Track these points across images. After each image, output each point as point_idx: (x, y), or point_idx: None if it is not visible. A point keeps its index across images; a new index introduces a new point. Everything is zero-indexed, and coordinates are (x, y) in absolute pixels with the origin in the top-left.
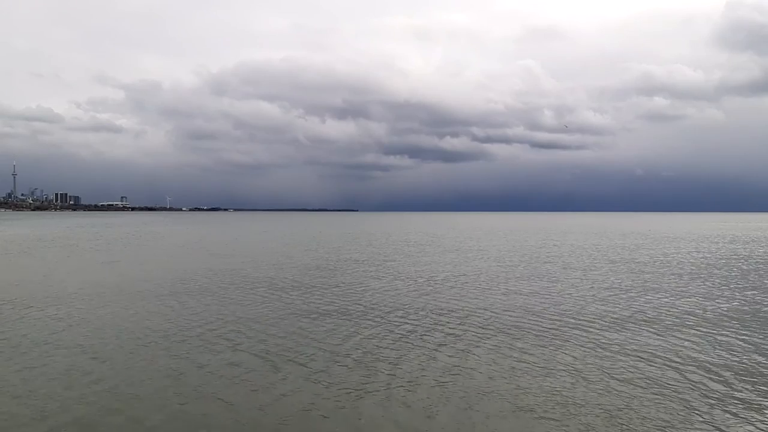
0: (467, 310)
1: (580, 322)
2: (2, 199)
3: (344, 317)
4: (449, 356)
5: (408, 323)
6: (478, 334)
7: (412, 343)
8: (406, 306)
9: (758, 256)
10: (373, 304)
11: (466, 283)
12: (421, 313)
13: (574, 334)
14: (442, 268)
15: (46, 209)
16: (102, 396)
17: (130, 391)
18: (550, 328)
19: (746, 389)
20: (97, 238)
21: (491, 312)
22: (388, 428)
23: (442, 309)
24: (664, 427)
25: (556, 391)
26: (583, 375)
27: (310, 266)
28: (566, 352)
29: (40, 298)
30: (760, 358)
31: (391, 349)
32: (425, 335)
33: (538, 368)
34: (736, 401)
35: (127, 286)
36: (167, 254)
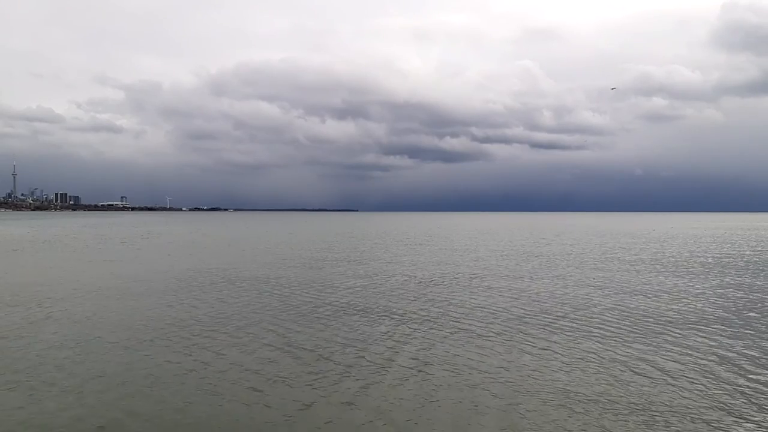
0: (452, 307)
1: (558, 320)
2: (2, 199)
3: (336, 315)
4: (444, 351)
5: (391, 320)
6: (466, 331)
7: (394, 339)
8: (391, 303)
9: (752, 255)
10: (358, 301)
11: (455, 281)
12: (405, 310)
13: (551, 329)
14: (432, 266)
15: (46, 209)
16: (100, 392)
17: (129, 389)
18: (528, 326)
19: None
20: (98, 238)
21: (478, 309)
22: (386, 423)
23: (428, 306)
24: (657, 424)
25: (543, 386)
26: (563, 372)
27: (305, 266)
28: (546, 346)
29: (43, 297)
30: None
31: (378, 344)
32: (408, 332)
33: (520, 367)
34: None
35: (128, 285)
36: (168, 254)
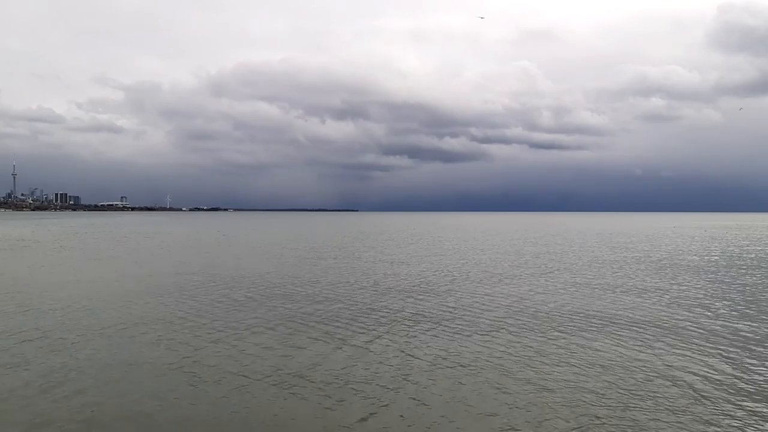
0: (437, 304)
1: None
2: (2, 199)
3: (347, 312)
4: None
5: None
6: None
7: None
8: (379, 299)
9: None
10: (363, 299)
11: (444, 278)
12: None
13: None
14: (420, 265)
15: (46, 209)
16: (137, 385)
17: (164, 383)
18: (495, 327)
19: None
20: (99, 238)
21: (462, 306)
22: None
23: (412, 302)
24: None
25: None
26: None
27: (308, 265)
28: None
29: (45, 296)
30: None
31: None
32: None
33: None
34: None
35: (144, 284)
36: (170, 254)
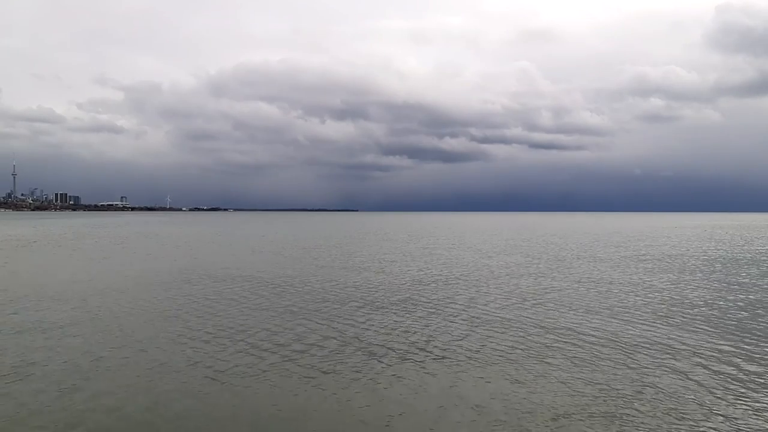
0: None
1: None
2: (2, 199)
3: (360, 310)
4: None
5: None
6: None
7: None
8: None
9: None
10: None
11: (443, 278)
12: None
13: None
14: (411, 264)
15: (46, 209)
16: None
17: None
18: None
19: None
20: (99, 238)
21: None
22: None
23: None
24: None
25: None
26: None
27: (299, 263)
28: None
29: (46, 296)
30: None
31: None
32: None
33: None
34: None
35: (156, 283)
36: (169, 253)
